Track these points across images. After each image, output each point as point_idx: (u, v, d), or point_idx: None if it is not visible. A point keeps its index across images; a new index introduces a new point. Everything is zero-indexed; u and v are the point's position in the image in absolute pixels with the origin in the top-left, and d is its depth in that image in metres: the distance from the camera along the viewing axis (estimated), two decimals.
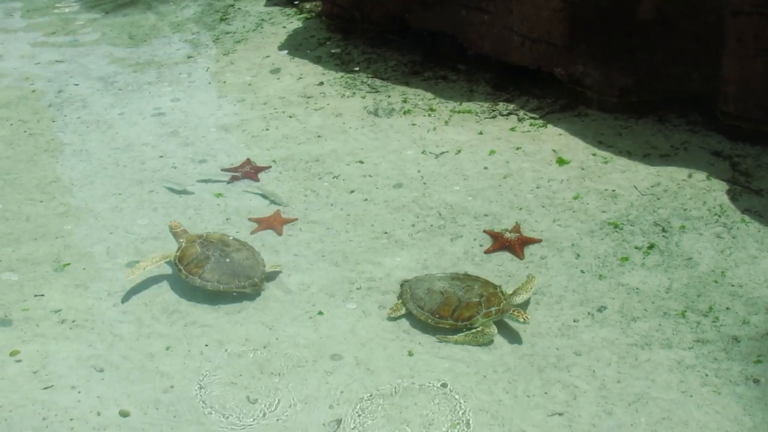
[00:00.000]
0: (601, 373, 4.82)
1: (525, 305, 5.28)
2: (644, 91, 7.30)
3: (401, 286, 5.48)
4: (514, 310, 5.10)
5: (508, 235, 5.92)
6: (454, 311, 5.15)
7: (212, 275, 5.52)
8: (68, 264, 5.85)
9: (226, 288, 5.48)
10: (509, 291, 5.30)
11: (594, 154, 6.84)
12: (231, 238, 5.83)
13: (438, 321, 5.16)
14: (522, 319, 5.05)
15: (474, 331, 5.09)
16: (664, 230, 5.93)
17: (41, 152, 7.31)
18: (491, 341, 5.06)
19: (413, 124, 7.45)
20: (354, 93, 8.06)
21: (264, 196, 6.45)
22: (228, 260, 5.58)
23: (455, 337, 5.10)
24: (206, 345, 5.15)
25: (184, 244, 5.73)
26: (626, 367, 4.85)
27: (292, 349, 5.10)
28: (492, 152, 6.95)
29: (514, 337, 5.11)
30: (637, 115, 7.30)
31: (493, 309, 5.12)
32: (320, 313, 5.37)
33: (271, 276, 5.67)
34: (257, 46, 9.22)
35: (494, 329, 5.09)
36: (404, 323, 5.25)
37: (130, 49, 9.37)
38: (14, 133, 7.64)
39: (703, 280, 5.46)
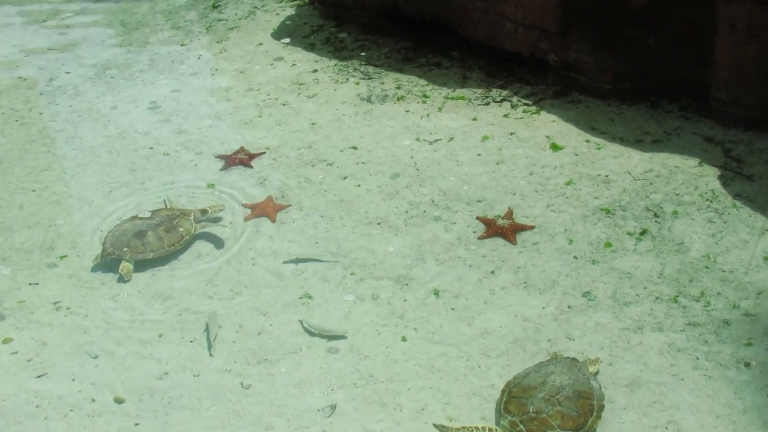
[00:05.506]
0: (593, 356, 4.84)
1: None
2: (637, 77, 7.30)
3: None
4: None
5: (500, 221, 5.93)
6: (512, 397, 4.47)
7: (116, 230, 5.90)
8: (65, 256, 5.84)
9: (104, 244, 5.78)
10: None
11: (587, 140, 6.85)
12: (184, 237, 5.85)
13: (502, 391, 4.56)
14: None
15: (479, 426, 4.41)
16: (656, 215, 5.95)
17: (33, 141, 7.30)
18: None
19: (407, 111, 7.45)
20: (347, 80, 8.05)
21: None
22: (138, 233, 5.79)
23: (460, 427, 4.43)
24: (200, 331, 5.16)
25: (165, 207, 6.17)
26: (618, 351, 4.88)
27: (286, 336, 5.12)
28: (485, 138, 6.96)
29: (506, 321, 5.13)
30: (630, 101, 7.30)
31: (522, 427, 4.31)
32: (309, 295, 5.39)
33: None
34: (250, 34, 9.21)
35: None
36: (398, 308, 5.27)
37: (122, 36, 9.34)
38: (5, 122, 7.63)
39: (694, 265, 5.48)
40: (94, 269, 5.72)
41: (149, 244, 5.74)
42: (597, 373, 4.65)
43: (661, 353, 4.84)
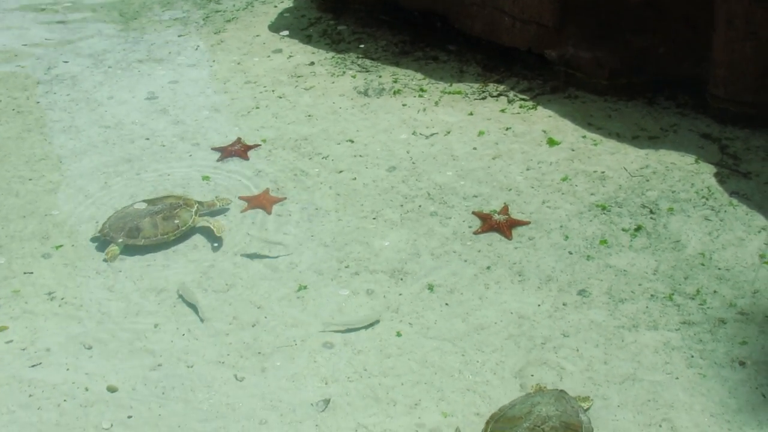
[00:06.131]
0: (588, 354, 4.85)
1: None
2: (634, 73, 7.30)
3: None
4: None
5: (496, 216, 5.93)
6: (496, 428, 4.31)
7: (120, 212, 5.97)
8: (60, 246, 5.84)
9: (104, 225, 5.87)
10: None
11: (583, 136, 6.84)
12: (179, 228, 5.84)
13: (486, 422, 4.38)
14: None
15: None
16: (652, 212, 5.95)
17: (30, 130, 7.28)
18: None
19: (403, 105, 7.44)
20: (344, 73, 8.04)
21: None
22: (137, 218, 5.82)
23: None
24: (194, 323, 5.16)
25: (169, 196, 6.15)
26: (613, 349, 4.88)
27: (280, 329, 5.12)
28: (482, 133, 6.95)
29: (500, 317, 5.14)
30: (626, 97, 7.30)
31: None
32: (304, 287, 5.39)
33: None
34: (247, 25, 9.19)
35: None
36: (393, 302, 5.26)
37: (120, 26, 9.32)
38: (3, 110, 7.60)
39: (690, 263, 5.49)
40: (89, 258, 5.72)
41: (143, 231, 5.77)
42: (588, 408, 4.51)
43: (656, 351, 4.84)
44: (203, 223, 5.95)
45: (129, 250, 5.77)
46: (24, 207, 6.25)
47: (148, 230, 5.77)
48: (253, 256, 5.71)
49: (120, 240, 5.74)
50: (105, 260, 5.69)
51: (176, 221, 5.84)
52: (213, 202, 6.10)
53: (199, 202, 6.05)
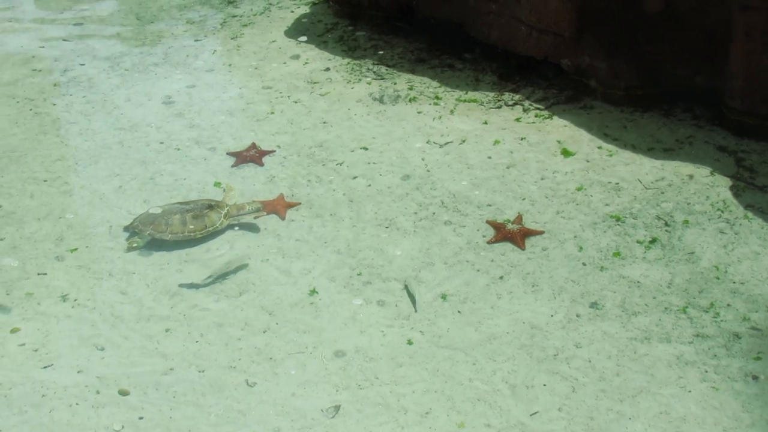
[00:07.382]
0: (600, 366, 4.83)
1: None
2: (650, 84, 7.28)
3: None
4: None
5: (510, 226, 5.92)
6: None
7: (150, 210, 6.06)
8: (75, 249, 5.85)
9: (135, 219, 6.01)
10: None
11: (599, 147, 6.83)
12: (206, 227, 5.91)
13: None
14: None
15: None
16: (666, 224, 5.93)
17: (46, 131, 7.31)
18: None
19: (419, 112, 7.44)
20: (360, 79, 8.05)
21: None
22: (166, 215, 5.92)
23: None
24: (206, 328, 5.17)
25: (206, 199, 6.24)
26: (625, 361, 4.86)
27: (292, 335, 5.11)
28: (497, 142, 6.94)
29: (513, 326, 5.12)
30: (642, 108, 7.28)
31: None
32: (317, 293, 5.39)
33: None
34: (264, 30, 9.21)
35: None
36: (404, 310, 5.26)
37: (137, 29, 9.35)
38: (20, 112, 7.64)
39: (704, 276, 5.46)
40: (103, 261, 5.74)
41: (171, 226, 5.86)
42: None
43: (669, 364, 4.82)
44: (247, 215, 6.10)
45: (155, 245, 5.83)
46: (39, 209, 6.27)
47: (177, 226, 5.85)
48: (190, 286, 5.60)
49: (147, 233, 5.83)
50: (127, 249, 5.84)
51: (204, 220, 5.89)
52: (243, 205, 6.14)
53: (230, 206, 6.09)
